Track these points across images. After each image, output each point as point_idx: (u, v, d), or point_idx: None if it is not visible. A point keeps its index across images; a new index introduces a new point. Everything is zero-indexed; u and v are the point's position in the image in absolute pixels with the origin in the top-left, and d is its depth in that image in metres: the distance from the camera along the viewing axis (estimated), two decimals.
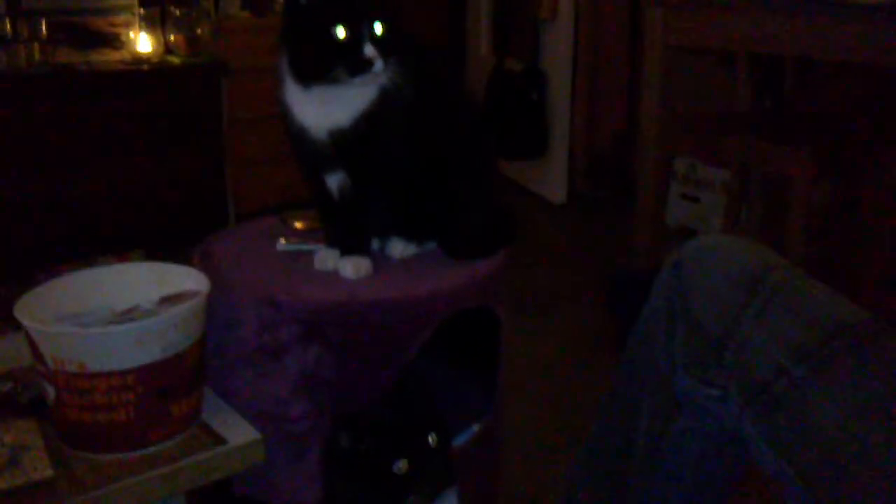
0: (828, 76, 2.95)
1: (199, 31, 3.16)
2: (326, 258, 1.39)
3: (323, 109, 1.29)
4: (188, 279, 1.33)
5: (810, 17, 1.96)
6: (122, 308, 1.31)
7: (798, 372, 0.96)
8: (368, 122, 1.29)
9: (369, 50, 1.22)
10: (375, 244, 1.45)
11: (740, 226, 2.92)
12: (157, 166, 3.13)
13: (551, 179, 3.89)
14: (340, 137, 1.30)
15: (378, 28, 1.23)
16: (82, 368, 1.14)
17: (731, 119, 2.77)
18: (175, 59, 3.10)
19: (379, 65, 1.23)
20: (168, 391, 1.21)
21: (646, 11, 2.47)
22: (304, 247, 1.48)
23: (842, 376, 0.95)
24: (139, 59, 3.04)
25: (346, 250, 1.38)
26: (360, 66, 1.22)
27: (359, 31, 1.22)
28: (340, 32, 1.22)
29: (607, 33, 3.64)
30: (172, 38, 3.11)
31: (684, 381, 1.08)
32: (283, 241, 1.50)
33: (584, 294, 2.94)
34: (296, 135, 1.33)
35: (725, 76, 2.99)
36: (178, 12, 3.14)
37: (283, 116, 1.34)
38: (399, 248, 1.44)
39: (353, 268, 1.36)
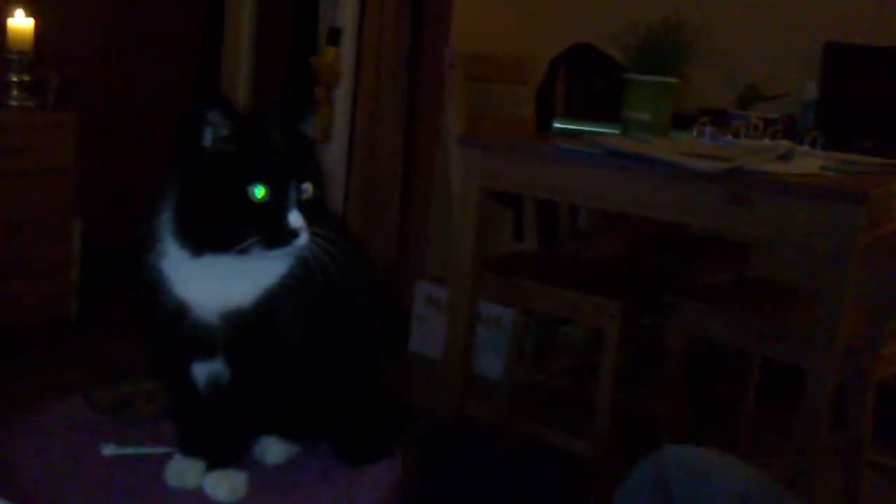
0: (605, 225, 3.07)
1: None
2: (185, 471, 1.06)
3: (218, 285, 1.00)
4: None
5: (640, 178, 1.98)
6: None
7: None
8: (272, 301, 1.01)
9: (295, 218, 0.96)
10: None
11: (522, 364, 2.88)
12: None
13: None
14: (236, 320, 1.01)
15: (307, 190, 0.98)
16: None
17: (523, 261, 2.75)
18: None
19: (304, 237, 0.97)
20: None
21: (457, 152, 2.38)
22: (143, 449, 1.13)
23: None
24: None
25: (215, 461, 1.06)
26: (281, 238, 0.96)
27: (284, 193, 0.96)
28: (259, 192, 0.95)
29: (381, 158, 3.54)
30: None
31: None
32: (110, 444, 1.13)
33: None
34: (169, 314, 1.01)
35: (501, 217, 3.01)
36: None
37: (151, 287, 1.02)
38: (275, 452, 1.14)
39: (228, 488, 1.04)
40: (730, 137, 2.28)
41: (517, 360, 2.84)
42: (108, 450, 1.12)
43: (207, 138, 0.96)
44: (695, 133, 2.33)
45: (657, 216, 2.17)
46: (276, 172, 0.96)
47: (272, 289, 1.01)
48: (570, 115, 2.79)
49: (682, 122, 2.40)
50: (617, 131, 2.33)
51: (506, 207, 3.12)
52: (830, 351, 1.78)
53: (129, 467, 1.10)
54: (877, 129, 2.88)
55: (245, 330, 1.01)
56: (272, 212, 0.95)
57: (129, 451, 1.12)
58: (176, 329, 1.02)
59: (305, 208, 0.97)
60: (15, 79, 2.86)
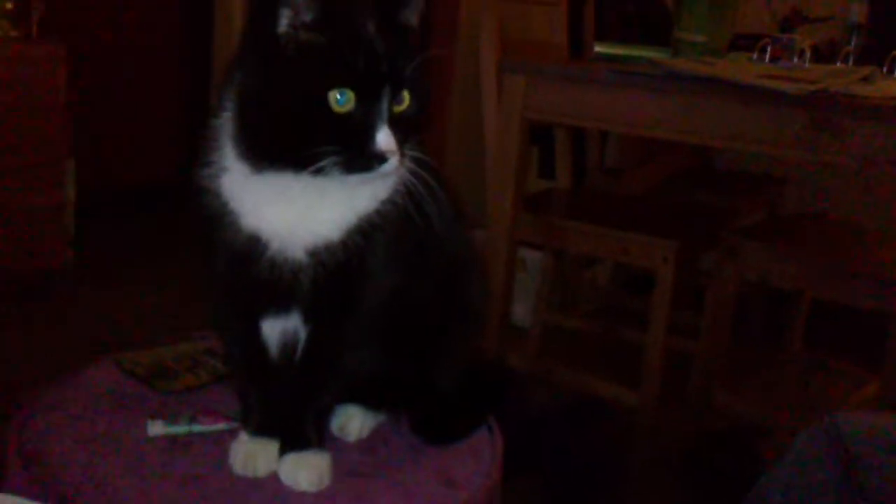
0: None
1: None
2: (255, 455, 0.87)
3: (300, 211, 0.79)
4: None
5: (709, 103, 1.78)
6: None
7: None
8: (366, 235, 0.81)
9: (385, 138, 0.75)
10: None
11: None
12: None
13: None
14: (324, 258, 0.81)
15: (403, 100, 0.77)
16: None
17: (559, 199, 2.56)
18: None
19: (393, 162, 0.77)
20: None
21: (492, 81, 2.17)
22: (197, 427, 0.94)
23: None
24: None
25: (291, 442, 0.87)
26: (363, 161, 0.76)
27: (374, 104, 0.75)
28: (343, 100, 0.74)
29: None
30: None
31: None
32: (157, 422, 0.94)
33: None
34: (235, 252, 0.81)
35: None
36: None
37: (209, 216, 0.82)
38: (358, 425, 0.95)
39: (311, 474, 0.85)
40: (795, 60, 2.08)
41: (547, 304, 2.67)
42: (155, 428, 0.93)
43: (283, 23, 0.74)
44: (755, 56, 2.13)
45: (730, 146, 1.98)
46: (367, 75, 0.75)
47: (366, 219, 0.81)
48: (605, 39, 2.58)
49: None
50: (664, 55, 2.13)
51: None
52: None
53: (182, 449, 0.91)
54: None
55: (331, 272, 0.81)
56: (357, 126, 0.75)
57: (181, 429, 0.93)
58: (243, 272, 0.82)
59: (399, 124, 0.77)
60: None
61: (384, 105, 0.76)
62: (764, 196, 2.91)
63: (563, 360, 2.52)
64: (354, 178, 0.77)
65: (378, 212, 0.82)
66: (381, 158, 0.76)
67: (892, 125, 1.61)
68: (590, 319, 2.87)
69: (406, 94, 0.77)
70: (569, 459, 2.02)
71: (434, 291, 0.90)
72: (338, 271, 0.81)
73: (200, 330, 1.19)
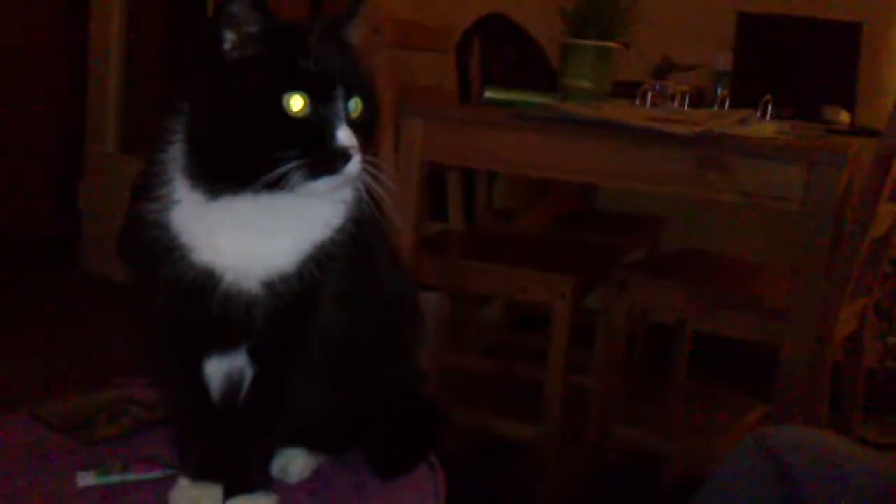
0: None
1: None
2: (197, 499, 0.84)
3: (257, 241, 0.78)
4: None
5: (605, 145, 1.86)
6: None
7: None
8: (321, 265, 0.81)
9: (345, 135, 0.76)
10: None
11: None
12: None
13: None
14: (280, 289, 0.79)
15: (354, 107, 0.78)
16: None
17: (454, 240, 2.60)
18: None
19: (357, 160, 0.76)
20: None
21: (402, 123, 2.20)
22: (131, 476, 0.90)
23: None
24: None
25: (236, 485, 0.85)
26: (328, 161, 0.75)
27: (329, 105, 0.76)
28: (297, 104, 0.74)
29: None
30: None
31: None
32: (87, 473, 0.89)
33: None
34: (185, 288, 0.79)
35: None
36: None
37: (156, 252, 0.79)
38: (300, 466, 0.94)
39: None
40: (673, 104, 2.21)
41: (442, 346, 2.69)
42: (87, 479, 0.89)
43: (229, 41, 0.75)
44: (637, 101, 2.25)
45: (621, 185, 2.07)
46: (318, 78, 0.75)
47: (321, 248, 0.80)
48: (493, 86, 2.66)
49: None
50: (552, 100, 2.22)
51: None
52: (808, 323, 1.73)
53: (117, 499, 0.87)
54: (790, 99, 2.89)
55: (286, 305, 0.80)
56: (316, 128, 0.75)
57: (115, 478, 0.89)
58: (192, 309, 0.80)
59: (355, 128, 0.77)
60: None
61: (339, 106, 0.77)
62: (646, 234, 3.05)
63: (461, 400, 2.53)
64: (320, 185, 0.76)
65: (332, 240, 0.81)
66: (345, 156, 0.76)
67: (773, 162, 1.74)
68: (484, 358, 2.90)
69: (358, 101, 0.78)
70: (472, 498, 2.03)
71: (380, 325, 0.90)
72: (293, 302, 0.80)
73: (115, 377, 1.15)
